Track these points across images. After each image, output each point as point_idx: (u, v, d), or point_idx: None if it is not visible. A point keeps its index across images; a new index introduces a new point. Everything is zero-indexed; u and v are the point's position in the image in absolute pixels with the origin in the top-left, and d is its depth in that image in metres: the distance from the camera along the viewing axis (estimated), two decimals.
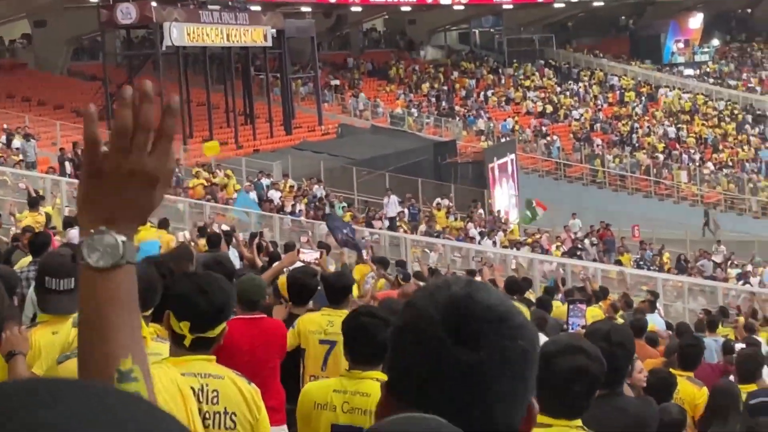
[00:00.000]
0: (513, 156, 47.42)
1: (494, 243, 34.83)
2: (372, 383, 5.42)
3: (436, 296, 1.85)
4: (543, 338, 9.77)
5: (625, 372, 5.05)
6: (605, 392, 4.71)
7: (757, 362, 9.52)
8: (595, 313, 15.41)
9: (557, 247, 36.58)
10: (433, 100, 56.30)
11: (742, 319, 19.02)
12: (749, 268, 38.14)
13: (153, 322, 5.10)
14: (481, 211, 39.55)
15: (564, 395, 4.17)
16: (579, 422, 4.26)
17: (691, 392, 8.49)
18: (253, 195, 31.67)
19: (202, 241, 16.82)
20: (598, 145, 54.49)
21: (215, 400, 4.74)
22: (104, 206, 1.79)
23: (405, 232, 33.54)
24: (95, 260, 1.77)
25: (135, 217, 1.81)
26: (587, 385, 4.18)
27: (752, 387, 9.13)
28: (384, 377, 5.82)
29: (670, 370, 9.13)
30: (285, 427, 7.06)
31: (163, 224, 18.67)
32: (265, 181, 35.46)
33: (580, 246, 37.47)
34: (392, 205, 36.95)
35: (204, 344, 4.65)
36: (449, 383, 1.78)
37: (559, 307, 17.29)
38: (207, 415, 4.70)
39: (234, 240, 17.23)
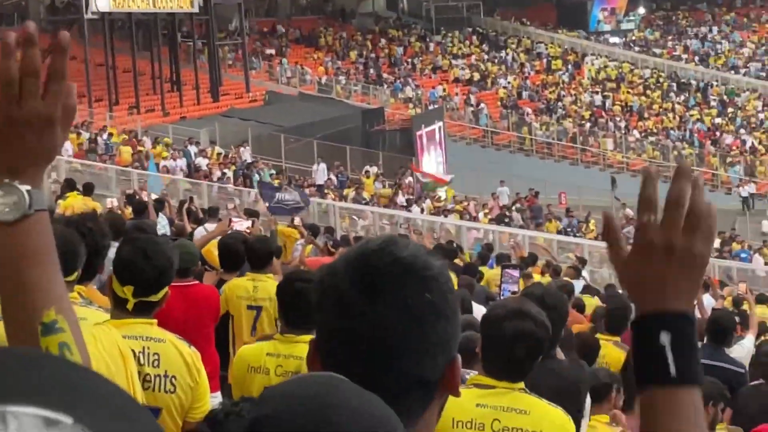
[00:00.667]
0: (441, 124, 47.48)
1: (422, 210, 34.93)
2: (305, 347, 5.41)
3: (350, 252, 1.87)
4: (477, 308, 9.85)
5: (558, 335, 5.10)
6: None
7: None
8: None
9: (485, 215, 36.76)
10: (361, 67, 56.19)
11: None
12: None
13: (80, 283, 5.03)
14: (409, 179, 39.60)
15: (509, 358, 4.21)
16: (522, 385, 4.31)
17: (617, 356, 8.57)
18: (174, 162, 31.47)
19: (129, 209, 16.70)
20: (526, 114, 54.76)
21: (156, 363, 4.73)
22: (4, 157, 1.73)
23: (333, 199, 33.51)
24: (3, 215, 1.71)
25: (39, 162, 1.76)
26: (532, 349, 4.23)
27: None
28: None
29: (598, 335, 9.24)
30: (219, 393, 7.05)
31: (88, 190, 18.42)
32: (192, 149, 35.22)
33: (507, 213, 37.69)
34: (321, 173, 36.91)
35: (146, 308, 4.65)
36: (354, 336, 1.78)
37: (488, 272, 17.42)
38: (148, 378, 4.69)
39: (165, 206, 17.11)
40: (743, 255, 36.92)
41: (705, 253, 1.71)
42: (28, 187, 1.72)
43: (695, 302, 1.75)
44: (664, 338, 1.69)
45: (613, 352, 8.61)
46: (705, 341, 9.36)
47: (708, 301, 16.11)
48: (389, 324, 1.76)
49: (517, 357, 4.15)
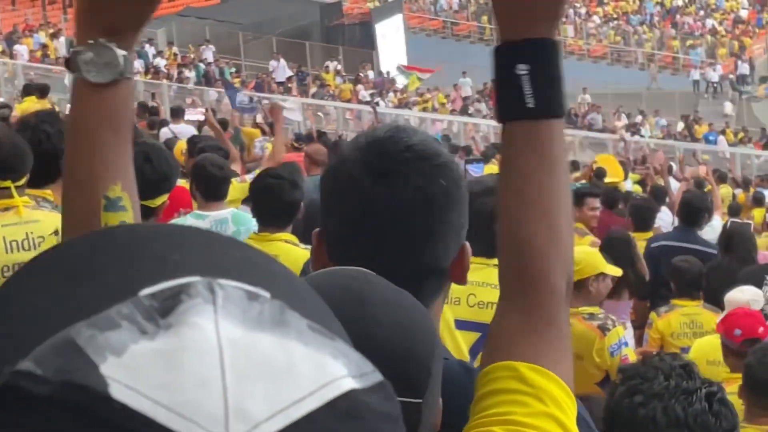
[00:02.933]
0: (400, 15, 47.10)
1: (386, 104, 34.80)
2: (281, 244, 5.41)
3: (360, 139, 1.85)
4: None
5: None
6: None
7: (651, 210, 9.69)
8: (492, 170, 15.50)
9: (445, 105, 36.67)
10: None
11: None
12: (638, 119, 38.78)
13: (45, 186, 4.93)
14: (370, 72, 39.36)
15: (486, 234, 4.18)
16: (496, 260, 4.28)
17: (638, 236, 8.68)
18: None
19: None
20: (485, 3, 54.35)
21: None
22: (106, 16, 1.66)
23: (296, 95, 33.32)
24: (94, 75, 1.64)
25: (135, 27, 1.69)
26: None
27: (648, 234, 9.30)
28: (293, 238, 5.79)
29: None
30: None
31: (44, 93, 18.05)
32: (149, 49, 34.81)
33: (471, 104, 37.63)
34: (281, 70, 36.62)
35: (144, 214, 4.58)
36: (370, 222, 1.77)
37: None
38: None
39: None
40: (711, 137, 37.11)
41: None
42: (125, 53, 1.66)
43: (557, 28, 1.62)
44: (522, 68, 1.56)
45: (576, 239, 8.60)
46: (677, 223, 9.44)
47: (673, 184, 16.20)
48: (406, 209, 1.77)
49: (486, 231, 4.12)
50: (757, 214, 15.53)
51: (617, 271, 6.46)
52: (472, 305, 4.30)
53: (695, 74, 49.64)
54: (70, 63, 1.65)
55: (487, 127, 30.49)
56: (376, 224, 1.77)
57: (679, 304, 7.55)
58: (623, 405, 2.35)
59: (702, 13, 56.95)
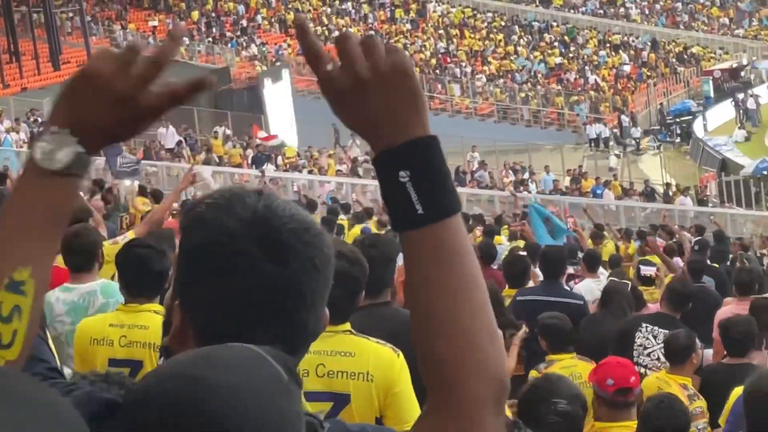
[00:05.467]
0: (288, 78, 47.21)
1: (276, 167, 34.76)
2: (150, 315, 5.35)
3: (234, 210, 1.74)
4: None
5: (387, 279, 5.04)
6: (369, 302, 4.72)
7: (523, 266, 9.78)
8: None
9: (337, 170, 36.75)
10: (203, 27, 55.45)
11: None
12: (526, 175, 39.25)
13: None
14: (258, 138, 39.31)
15: (334, 300, 4.16)
16: (347, 326, 4.27)
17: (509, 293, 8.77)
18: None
19: None
20: None
21: None
22: (80, 110, 1.65)
23: (188, 161, 33.11)
24: (41, 158, 1.63)
25: (103, 135, 1.68)
26: (348, 289, 4.17)
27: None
28: (162, 308, 5.71)
29: None
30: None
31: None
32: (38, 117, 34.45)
33: (360, 165, 37.75)
34: (170, 136, 36.40)
35: None
36: (261, 298, 1.71)
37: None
38: None
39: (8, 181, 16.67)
40: (598, 191, 37.66)
41: (402, 62, 1.56)
42: (83, 150, 1.64)
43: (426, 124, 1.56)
44: (403, 175, 1.53)
45: None
46: (541, 279, 9.56)
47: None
48: (299, 282, 1.73)
49: (334, 297, 4.11)
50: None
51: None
52: (322, 375, 4.22)
53: (584, 129, 50.50)
54: (30, 143, 1.63)
55: (375, 187, 30.59)
56: (265, 299, 1.71)
57: (555, 358, 7.65)
58: None
59: (585, 69, 58.07)
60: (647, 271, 11.99)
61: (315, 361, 4.17)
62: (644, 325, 8.26)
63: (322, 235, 1.79)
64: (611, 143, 49.70)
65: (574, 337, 7.95)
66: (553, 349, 7.69)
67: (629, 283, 10.30)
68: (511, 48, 59.98)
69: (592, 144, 49.31)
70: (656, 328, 8.15)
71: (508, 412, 6.14)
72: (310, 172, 34.33)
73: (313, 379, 4.18)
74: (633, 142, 50.78)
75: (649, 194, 39.29)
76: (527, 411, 4.20)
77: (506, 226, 18.68)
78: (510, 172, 39.50)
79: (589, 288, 10.55)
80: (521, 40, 61.23)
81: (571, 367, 7.66)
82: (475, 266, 1.59)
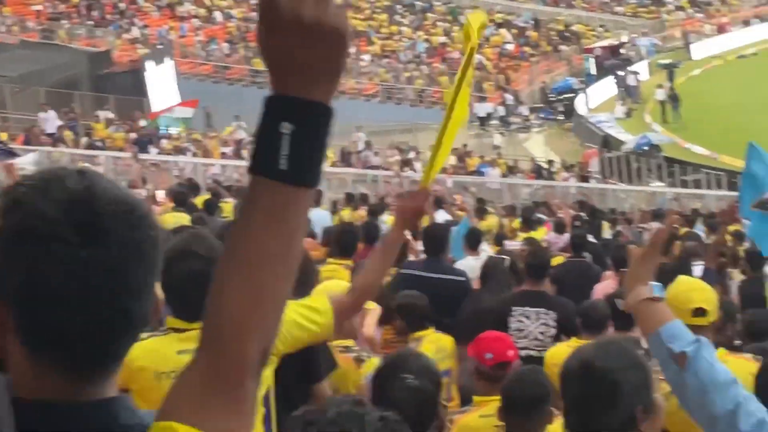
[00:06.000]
0: (171, 61, 46.73)
1: (159, 151, 34.40)
2: None
3: (51, 193, 1.66)
4: None
5: None
6: None
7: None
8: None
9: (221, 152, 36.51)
10: (84, 10, 54.52)
11: None
12: (411, 155, 39.43)
13: None
14: (142, 121, 38.86)
15: (188, 300, 4.11)
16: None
17: (343, 274, 8.76)
18: None
19: None
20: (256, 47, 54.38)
21: None
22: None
23: (70, 146, 32.59)
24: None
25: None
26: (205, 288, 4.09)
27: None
28: None
29: (329, 259, 9.36)
30: None
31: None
32: None
33: (245, 146, 37.56)
34: (51, 121, 35.77)
35: None
36: (82, 286, 1.63)
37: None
38: None
39: None
40: (483, 169, 38.02)
41: (345, 27, 1.52)
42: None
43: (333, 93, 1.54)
44: (287, 126, 1.50)
45: (341, 273, 8.66)
46: (425, 255, 9.59)
47: (442, 215, 16.55)
48: (122, 267, 1.66)
49: (195, 297, 4.08)
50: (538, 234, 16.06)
51: (371, 304, 6.58)
52: None
53: (473, 108, 50.85)
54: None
55: None
56: (87, 286, 1.63)
57: (421, 335, 7.77)
58: None
59: (460, 47, 58.31)
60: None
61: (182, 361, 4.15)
62: (513, 309, 8.24)
63: (147, 218, 1.73)
64: (495, 122, 50.17)
65: (430, 313, 8.01)
66: (411, 327, 7.72)
67: (507, 258, 10.39)
68: (394, 28, 60.09)
69: (479, 123, 49.71)
70: (527, 308, 8.18)
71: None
72: (194, 155, 34.05)
73: None
74: (517, 120, 51.31)
75: (537, 171, 39.81)
76: (378, 388, 4.19)
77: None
78: (395, 151, 39.65)
79: (470, 265, 10.62)
80: (404, 20, 61.37)
81: (436, 341, 7.83)
82: (298, 246, 1.55)
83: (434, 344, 7.81)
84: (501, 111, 51.35)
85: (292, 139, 1.50)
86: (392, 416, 2.32)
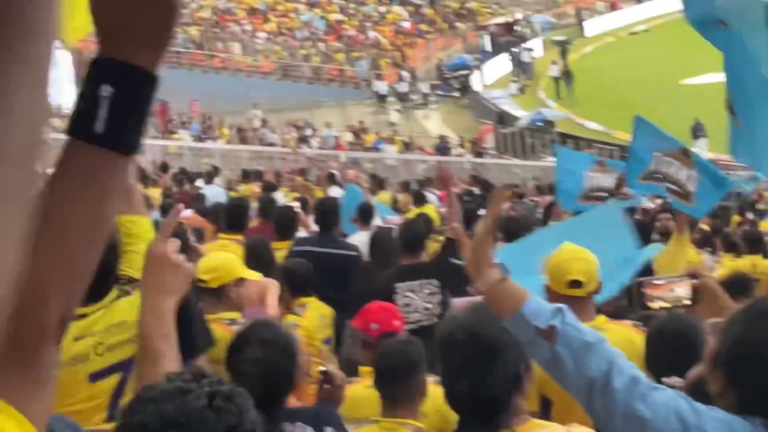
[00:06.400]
0: None
1: None
2: None
3: None
4: None
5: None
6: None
7: (290, 218, 9.84)
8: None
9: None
10: None
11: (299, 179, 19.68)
12: (308, 132, 39.42)
13: None
14: None
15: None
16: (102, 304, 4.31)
17: (234, 249, 8.77)
18: None
19: None
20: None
21: None
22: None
23: None
24: None
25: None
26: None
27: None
28: None
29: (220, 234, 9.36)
30: None
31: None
32: None
33: None
34: None
35: None
36: None
37: None
38: None
39: None
40: (379, 145, 38.13)
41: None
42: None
43: (160, 56, 1.48)
44: (107, 90, 1.45)
45: (234, 248, 8.68)
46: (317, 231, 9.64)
47: (336, 191, 16.58)
48: None
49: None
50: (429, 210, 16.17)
51: (256, 275, 6.60)
52: (102, 353, 4.23)
53: (372, 85, 50.91)
54: None
55: (159, 147, 30.39)
56: None
57: (304, 301, 7.92)
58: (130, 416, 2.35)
59: (365, 25, 58.44)
60: None
61: (93, 343, 4.20)
62: (397, 286, 8.27)
63: None
64: (391, 99, 50.29)
65: (313, 281, 8.08)
66: (293, 292, 7.77)
67: (395, 227, 10.42)
68: (290, 5, 59.81)
69: (377, 100, 49.79)
70: (409, 282, 8.22)
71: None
72: None
73: (95, 360, 4.20)
74: (413, 97, 51.49)
75: (440, 148, 40.05)
76: (228, 361, 4.21)
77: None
78: (292, 129, 39.58)
79: (363, 240, 10.68)
80: None
81: (319, 309, 8.02)
82: (110, 213, 1.52)
83: (317, 311, 7.96)
84: (397, 88, 51.45)
85: (111, 102, 1.45)
86: (228, 393, 2.29)
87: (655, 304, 3.36)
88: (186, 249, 6.78)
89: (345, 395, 5.82)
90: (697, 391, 3.29)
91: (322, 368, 4.47)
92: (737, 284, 7.26)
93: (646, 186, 9.83)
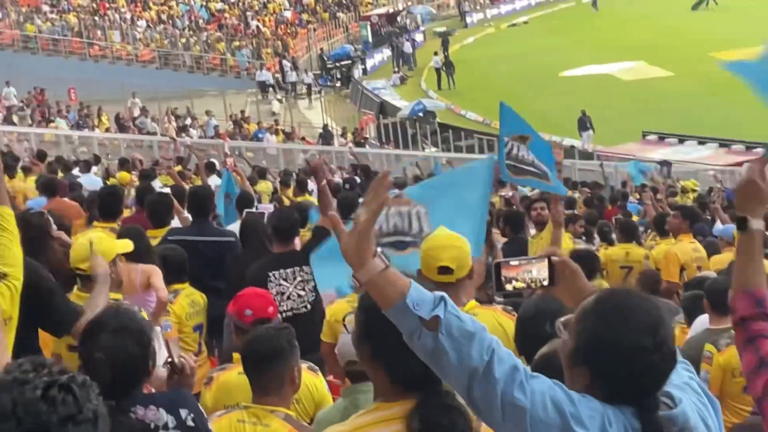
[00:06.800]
0: None
1: None
2: None
3: None
4: None
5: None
6: None
7: (169, 204, 9.79)
8: None
9: None
10: None
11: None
12: (188, 121, 39.12)
13: None
14: None
15: None
16: None
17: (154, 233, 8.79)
18: None
19: None
20: (28, 11, 52.79)
21: None
22: None
23: None
24: None
25: None
26: None
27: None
28: None
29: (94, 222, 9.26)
30: None
31: None
32: None
33: (16, 113, 36.59)
34: None
35: None
36: None
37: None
38: None
39: None
40: (260, 135, 38.01)
41: None
42: None
43: None
44: None
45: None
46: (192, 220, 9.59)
47: (214, 180, 16.49)
48: None
49: None
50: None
51: (128, 245, 6.63)
52: None
53: (255, 75, 50.67)
54: None
55: (35, 135, 29.96)
56: None
57: (177, 288, 8.00)
58: None
59: (247, 14, 58.14)
60: None
61: None
62: (270, 274, 8.25)
63: None
64: (272, 88, 50.12)
65: (187, 267, 8.12)
66: (166, 280, 7.75)
67: (266, 212, 10.37)
68: None
69: (259, 89, 49.57)
70: (282, 270, 8.23)
71: None
72: None
73: None
74: (294, 86, 51.39)
75: (323, 137, 40.04)
76: (79, 349, 4.19)
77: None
78: (172, 117, 39.22)
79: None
80: None
81: (191, 295, 8.09)
82: None
83: (189, 298, 8.01)
84: (279, 78, 51.29)
85: None
86: (66, 383, 2.28)
87: (510, 285, 3.35)
88: (43, 238, 6.73)
89: (219, 381, 5.82)
90: (547, 366, 3.37)
91: (168, 359, 4.43)
92: (582, 264, 7.39)
93: (522, 180, 9.80)
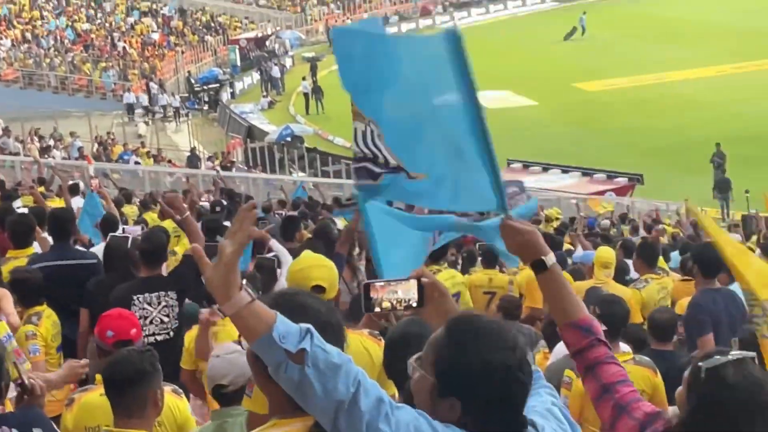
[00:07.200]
0: None
1: None
2: None
3: None
4: None
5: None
6: None
7: (30, 225, 9.65)
8: None
9: None
10: None
11: None
12: (51, 142, 38.45)
13: None
14: None
15: None
16: None
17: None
18: None
19: None
20: None
21: None
22: None
23: None
24: None
25: None
26: None
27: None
28: None
29: None
30: None
31: None
32: None
33: None
34: None
35: None
36: None
37: None
38: None
39: None
40: (126, 157, 37.54)
41: None
42: None
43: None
44: None
45: None
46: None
47: (77, 202, 16.26)
48: None
49: None
50: None
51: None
52: None
53: (123, 97, 50.13)
54: None
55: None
56: None
57: (37, 311, 7.87)
58: None
59: (114, 35, 57.52)
60: None
61: None
62: (134, 297, 8.15)
63: None
64: (140, 110, 49.67)
65: (43, 289, 8.03)
66: (26, 302, 7.78)
67: (131, 236, 10.26)
68: (36, 13, 58.28)
69: (125, 111, 49.05)
70: (146, 294, 8.15)
71: None
72: None
73: None
74: (162, 109, 50.98)
75: (192, 160, 39.71)
76: None
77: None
78: (35, 138, 38.54)
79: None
80: (47, 5, 59.67)
81: (51, 316, 7.94)
82: None
83: (50, 319, 7.88)
84: (145, 100, 50.82)
85: None
86: None
87: (378, 307, 3.37)
88: None
89: (81, 402, 5.76)
90: None
91: (18, 380, 4.37)
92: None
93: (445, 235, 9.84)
